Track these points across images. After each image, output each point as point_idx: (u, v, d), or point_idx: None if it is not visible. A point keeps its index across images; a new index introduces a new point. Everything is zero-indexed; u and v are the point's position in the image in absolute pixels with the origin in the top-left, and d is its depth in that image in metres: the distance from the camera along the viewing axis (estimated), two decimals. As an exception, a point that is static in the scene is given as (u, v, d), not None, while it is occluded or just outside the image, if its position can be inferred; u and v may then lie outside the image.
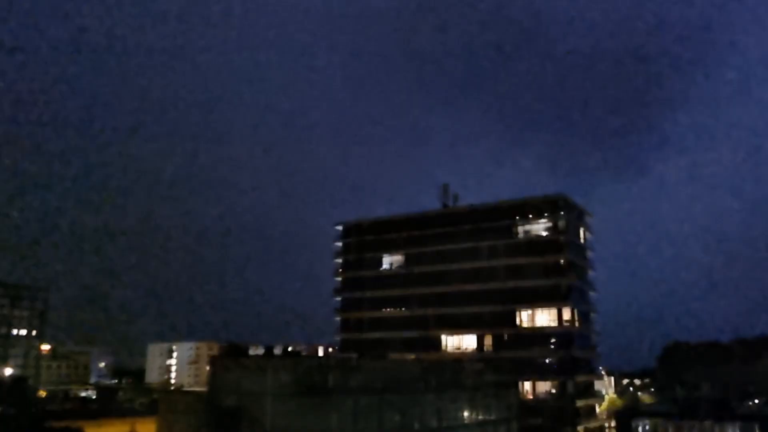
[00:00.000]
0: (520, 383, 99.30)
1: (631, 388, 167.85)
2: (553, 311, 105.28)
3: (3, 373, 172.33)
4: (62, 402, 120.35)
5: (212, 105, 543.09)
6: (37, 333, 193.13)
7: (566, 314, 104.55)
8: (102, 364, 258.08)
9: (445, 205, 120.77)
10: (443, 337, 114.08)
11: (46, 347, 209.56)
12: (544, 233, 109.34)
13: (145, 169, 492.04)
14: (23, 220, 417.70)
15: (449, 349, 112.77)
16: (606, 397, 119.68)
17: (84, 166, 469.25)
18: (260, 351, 68.70)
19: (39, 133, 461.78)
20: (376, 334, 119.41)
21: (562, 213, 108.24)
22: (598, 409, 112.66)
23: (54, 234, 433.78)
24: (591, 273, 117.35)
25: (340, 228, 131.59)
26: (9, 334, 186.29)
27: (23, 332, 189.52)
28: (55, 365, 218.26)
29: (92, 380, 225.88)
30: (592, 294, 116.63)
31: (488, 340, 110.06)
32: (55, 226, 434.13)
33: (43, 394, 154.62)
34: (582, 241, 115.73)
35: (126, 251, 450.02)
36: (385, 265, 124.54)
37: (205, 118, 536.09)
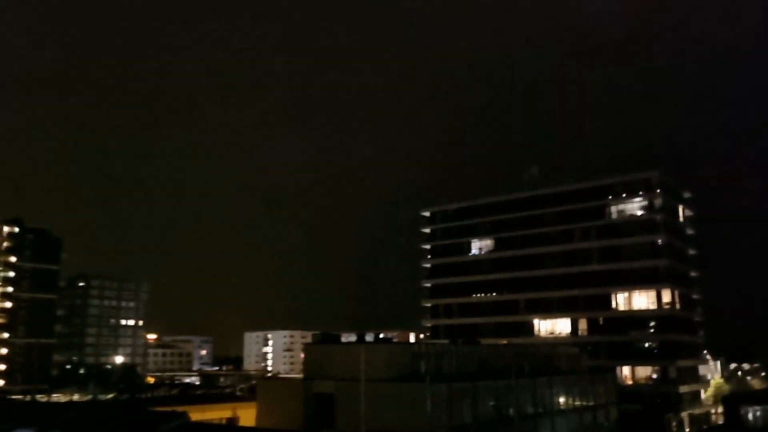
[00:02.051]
0: (617, 368, 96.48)
1: (739, 373, 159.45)
2: (651, 293, 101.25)
3: (114, 361, 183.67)
4: (169, 388, 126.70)
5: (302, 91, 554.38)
6: (143, 323, 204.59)
7: (666, 296, 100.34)
8: (203, 352, 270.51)
9: (532, 188, 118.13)
10: (536, 321, 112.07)
11: (151, 336, 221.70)
12: (639, 213, 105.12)
13: (229, 163, 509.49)
14: (121, 215, 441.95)
15: (542, 333, 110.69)
16: (711, 382, 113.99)
17: (175, 158, 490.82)
18: (352, 338, 69.40)
19: (118, 129, 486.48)
20: (467, 320, 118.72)
21: (658, 191, 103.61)
22: (703, 395, 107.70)
23: (149, 225, 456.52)
24: (692, 252, 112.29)
25: (427, 214, 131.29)
26: (118, 325, 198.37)
27: (130, 322, 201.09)
28: (160, 353, 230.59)
29: (195, 367, 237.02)
30: (694, 275, 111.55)
31: (583, 324, 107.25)
32: (151, 217, 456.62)
33: (150, 380, 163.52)
34: (681, 219, 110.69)
35: (219, 242, 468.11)
36: (474, 250, 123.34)
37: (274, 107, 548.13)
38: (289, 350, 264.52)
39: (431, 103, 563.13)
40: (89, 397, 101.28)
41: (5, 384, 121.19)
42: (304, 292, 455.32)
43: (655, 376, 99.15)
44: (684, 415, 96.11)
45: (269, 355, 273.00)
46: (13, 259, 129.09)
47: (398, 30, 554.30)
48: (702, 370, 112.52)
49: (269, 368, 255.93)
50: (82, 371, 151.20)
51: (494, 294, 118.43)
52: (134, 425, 26.89)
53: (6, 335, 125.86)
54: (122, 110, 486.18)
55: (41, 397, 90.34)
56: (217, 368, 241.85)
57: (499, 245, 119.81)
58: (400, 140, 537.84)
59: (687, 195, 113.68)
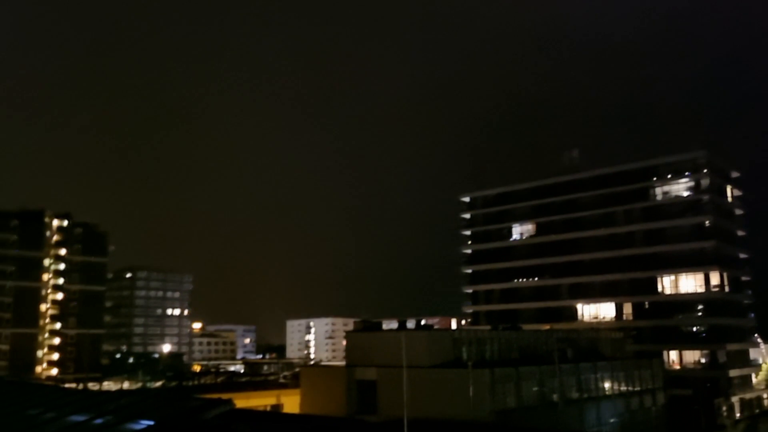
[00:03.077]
0: (664, 353, 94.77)
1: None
2: (699, 276, 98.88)
3: (162, 350, 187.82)
4: (214, 376, 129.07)
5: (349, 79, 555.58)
6: (188, 313, 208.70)
7: (714, 279, 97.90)
8: (246, 341, 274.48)
9: (573, 171, 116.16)
10: (579, 306, 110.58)
11: (196, 325, 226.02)
12: (685, 194, 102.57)
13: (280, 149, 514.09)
14: (165, 201, 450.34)
15: (586, 318, 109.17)
16: (763, 366, 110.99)
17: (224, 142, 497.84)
18: (393, 325, 69.48)
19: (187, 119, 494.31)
20: (508, 305, 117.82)
21: (705, 171, 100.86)
22: (754, 379, 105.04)
23: (191, 217, 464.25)
24: (741, 233, 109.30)
25: (466, 199, 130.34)
26: (164, 315, 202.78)
27: (176, 312, 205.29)
28: (205, 342, 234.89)
29: (239, 356, 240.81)
30: (743, 256, 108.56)
31: (627, 309, 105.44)
32: (192, 210, 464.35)
33: (196, 368, 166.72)
34: (729, 199, 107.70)
35: (259, 232, 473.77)
36: (515, 236, 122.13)
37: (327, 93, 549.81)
38: (330, 338, 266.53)
39: (468, 89, 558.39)
40: (139, 384, 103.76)
41: (59, 373, 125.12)
42: (345, 280, 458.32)
43: (703, 360, 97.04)
44: (734, 399, 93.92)
45: (311, 343, 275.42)
46: (63, 252, 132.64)
47: (432, 16, 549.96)
48: (753, 353, 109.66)
49: (311, 356, 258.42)
50: (131, 360, 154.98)
51: (536, 279, 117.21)
52: (181, 411, 27.29)
53: (58, 326, 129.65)
54: (163, 105, 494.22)
55: (93, 385, 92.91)
56: (260, 356, 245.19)
57: (540, 230, 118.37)
58: (438, 126, 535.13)
59: (735, 174, 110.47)
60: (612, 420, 58.10)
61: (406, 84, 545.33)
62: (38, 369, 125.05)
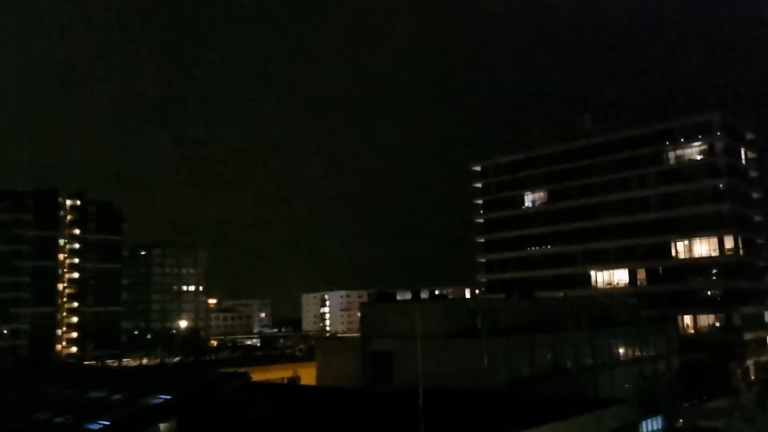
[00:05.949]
0: (679, 317, 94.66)
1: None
2: (713, 240, 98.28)
3: (179, 326, 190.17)
4: (231, 350, 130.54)
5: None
6: (203, 288, 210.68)
7: (728, 242, 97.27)
8: (262, 315, 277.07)
9: (586, 137, 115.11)
10: (593, 273, 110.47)
11: (212, 301, 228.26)
12: (699, 157, 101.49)
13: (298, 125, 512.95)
14: (182, 175, 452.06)
15: (600, 285, 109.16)
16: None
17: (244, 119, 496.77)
18: (408, 296, 69.77)
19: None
20: (522, 274, 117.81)
21: (719, 133, 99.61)
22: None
23: (205, 193, 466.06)
24: (757, 196, 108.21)
25: (478, 168, 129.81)
26: (180, 291, 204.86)
27: (191, 288, 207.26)
28: (222, 317, 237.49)
29: (255, 330, 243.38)
30: (759, 219, 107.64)
31: (641, 274, 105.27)
32: (212, 180, 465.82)
33: (213, 343, 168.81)
34: (743, 162, 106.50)
35: (273, 206, 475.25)
36: (528, 203, 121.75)
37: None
38: (346, 310, 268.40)
39: (479, 57, 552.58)
40: (157, 361, 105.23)
41: (78, 351, 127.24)
42: (359, 253, 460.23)
43: (718, 324, 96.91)
44: (749, 362, 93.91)
45: (327, 316, 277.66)
46: (77, 231, 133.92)
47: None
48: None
49: (327, 328, 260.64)
50: (149, 337, 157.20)
51: (549, 246, 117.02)
52: (198, 386, 27.70)
53: (76, 304, 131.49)
54: (174, 78, 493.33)
55: (112, 362, 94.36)
56: (276, 330, 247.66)
57: (553, 197, 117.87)
58: (449, 95, 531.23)
59: (750, 136, 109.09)
60: (626, 386, 58.27)
61: (416, 53, 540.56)
62: (58, 347, 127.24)
